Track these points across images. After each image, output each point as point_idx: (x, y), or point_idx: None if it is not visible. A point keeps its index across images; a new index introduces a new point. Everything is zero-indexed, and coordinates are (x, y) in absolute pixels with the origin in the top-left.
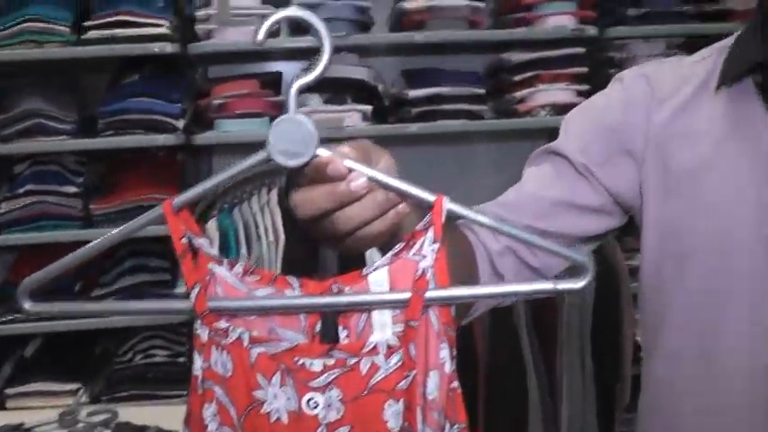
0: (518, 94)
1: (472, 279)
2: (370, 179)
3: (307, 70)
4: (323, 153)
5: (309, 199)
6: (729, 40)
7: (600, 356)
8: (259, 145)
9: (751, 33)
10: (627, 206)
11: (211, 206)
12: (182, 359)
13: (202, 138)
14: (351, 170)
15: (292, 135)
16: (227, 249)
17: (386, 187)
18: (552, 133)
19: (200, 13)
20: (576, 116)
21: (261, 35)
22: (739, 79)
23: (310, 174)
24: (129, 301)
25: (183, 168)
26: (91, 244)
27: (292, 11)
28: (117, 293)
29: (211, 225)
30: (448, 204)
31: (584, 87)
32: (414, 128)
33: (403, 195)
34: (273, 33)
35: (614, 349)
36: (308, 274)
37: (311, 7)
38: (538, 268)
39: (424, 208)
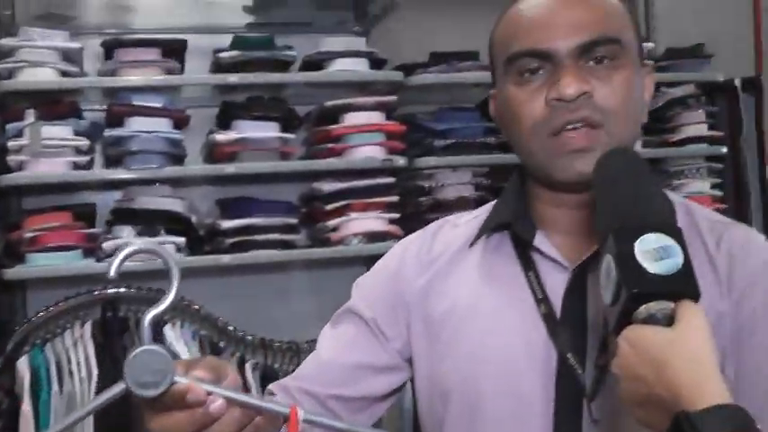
0: (331, 222)
1: None
2: (228, 400)
3: (158, 303)
4: (180, 380)
5: (170, 426)
6: (490, 206)
7: None
8: (73, 279)
9: (508, 196)
10: (407, 359)
11: (24, 342)
12: None
13: (12, 272)
14: (209, 393)
15: (149, 365)
16: (39, 386)
17: (243, 405)
18: (367, 261)
19: (12, 144)
20: (366, 277)
21: (113, 271)
22: (494, 233)
23: (168, 401)
24: None
25: None
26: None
27: (139, 244)
28: None
29: (23, 362)
30: (302, 415)
31: (396, 215)
32: (227, 258)
33: (259, 410)
34: (87, 165)
35: None
36: (120, 410)
37: (124, 139)
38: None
39: (280, 419)
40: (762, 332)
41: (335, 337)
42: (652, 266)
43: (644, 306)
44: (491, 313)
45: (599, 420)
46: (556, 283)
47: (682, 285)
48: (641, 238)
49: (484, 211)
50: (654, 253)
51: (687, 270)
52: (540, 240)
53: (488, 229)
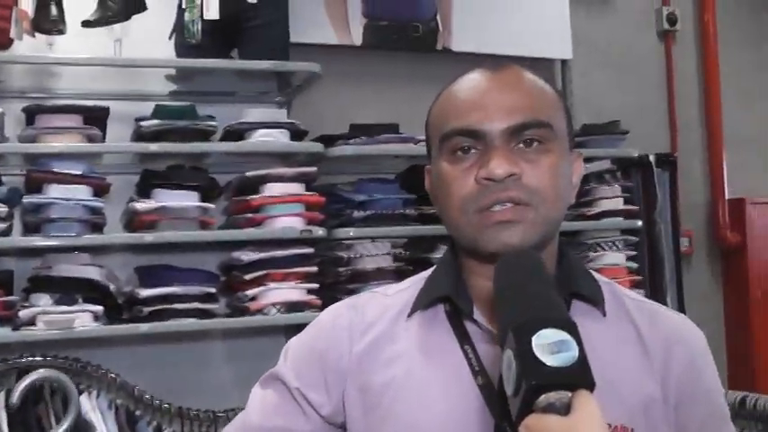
0: (249, 292)
1: None
2: None
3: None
4: None
5: None
6: (426, 273)
7: None
8: None
9: (442, 270)
10: (338, 424)
11: None
12: None
13: None
14: None
15: None
16: None
17: None
18: (286, 330)
19: None
20: (294, 342)
21: (15, 398)
22: (430, 306)
23: None
24: None
25: None
26: None
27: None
28: None
29: None
30: None
31: (315, 286)
32: (144, 327)
33: None
34: (5, 231)
35: None
36: None
37: (43, 206)
38: None
39: None
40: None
41: (261, 399)
42: (549, 360)
43: (543, 396)
44: (429, 385)
45: None
46: (492, 355)
47: (577, 376)
48: (538, 333)
49: (413, 283)
50: (550, 347)
51: (582, 362)
52: (477, 313)
53: (426, 302)
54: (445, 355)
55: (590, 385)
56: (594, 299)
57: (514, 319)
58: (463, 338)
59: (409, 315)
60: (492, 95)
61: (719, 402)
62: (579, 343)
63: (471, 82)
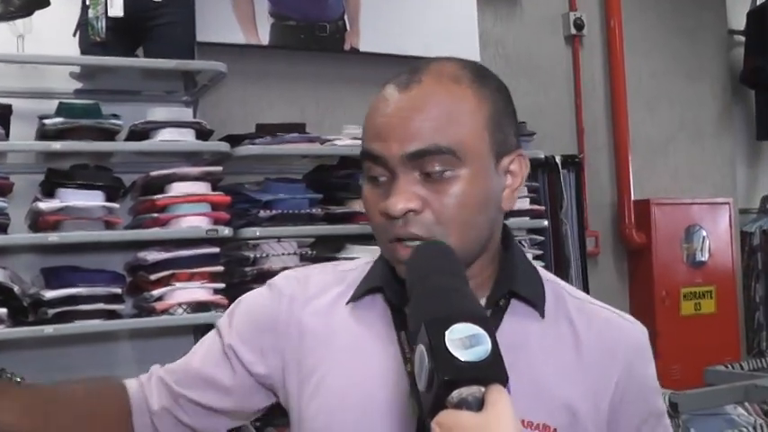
0: (155, 292)
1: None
2: None
3: None
4: None
5: None
6: (374, 258)
7: None
8: None
9: (382, 259)
10: (271, 386)
11: None
12: None
13: None
14: None
15: None
16: None
17: None
18: (196, 329)
19: None
20: (245, 298)
21: None
22: (366, 296)
23: None
24: None
25: None
26: None
27: None
28: None
29: None
30: None
31: (221, 285)
32: (50, 329)
33: None
34: None
35: None
36: None
37: None
38: (191, 425)
39: None
40: None
41: (202, 343)
42: (462, 354)
43: (456, 391)
44: (360, 366)
45: None
46: None
47: (490, 371)
48: (451, 328)
49: (359, 266)
50: (463, 341)
51: (495, 356)
52: None
53: (362, 291)
54: (380, 340)
55: (503, 380)
56: (533, 300)
57: (426, 314)
58: (399, 325)
59: (347, 303)
60: (393, 119)
61: (656, 402)
62: (492, 337)
63: (381, 98)
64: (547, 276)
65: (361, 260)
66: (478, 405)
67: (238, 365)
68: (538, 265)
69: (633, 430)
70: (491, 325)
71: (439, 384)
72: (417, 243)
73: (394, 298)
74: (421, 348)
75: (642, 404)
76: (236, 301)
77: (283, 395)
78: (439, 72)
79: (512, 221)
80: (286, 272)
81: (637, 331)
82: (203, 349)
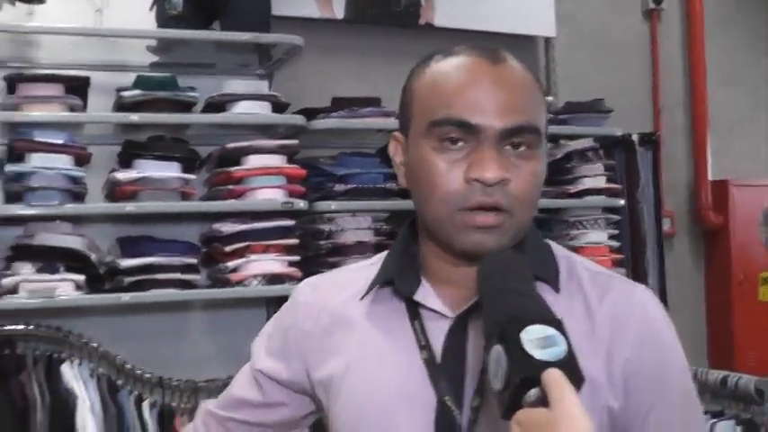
0: (230, 263)
1: None
2: None
3: None
4: None
5: None
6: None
7: None
8: None
9: (394, 251)
10: (303, 391)
11: None
12: None
13: None
14: None
15: None
16: None
17: None
18: (266, 302)
19: None
20: (267, 326)
21: None
22: (380, 289)
23: None
24: None
25: None
26: None
27: None
28: None
29: None
30: None
31: (295, 258)
32: (126, 297)
33: None
34: None
35: None
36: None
37: (25, 175)
38: None
39: None
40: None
41: (242, 371)
42: (538, 354)
43: (532, 390)
44: (376, 361)
45: None
46: (438, 332)
47: (566, 371)
48: (526, 329)
49: (379, 259)
50: (539, 342)
51: (571, 357)
52: (422, 293)
53: (374, 285)
54: (394, 333)
55: (579, 381)
56: (545, 277)
57: (501, 316)
58: (413, 316)
59: (361, 298)
60: (490, 90)
61: (678, 379)
62: (567, 339)
63: (465, 68)
64: (560, 251)
65: (376, 256)
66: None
67: (265, 380)
68: (608, 243)
69: (650, 402)
70: (564, 327)
71: (516, 384)
72: (494, 213)
73: (405, 289)
74: (497, 349)
75: (660, 382)
76: (260, 333)
77: (315, 397)
78: (510, 55)
79: (588, 200)
80: (304, 281)
81: (651, 305)
82: (238, 378)
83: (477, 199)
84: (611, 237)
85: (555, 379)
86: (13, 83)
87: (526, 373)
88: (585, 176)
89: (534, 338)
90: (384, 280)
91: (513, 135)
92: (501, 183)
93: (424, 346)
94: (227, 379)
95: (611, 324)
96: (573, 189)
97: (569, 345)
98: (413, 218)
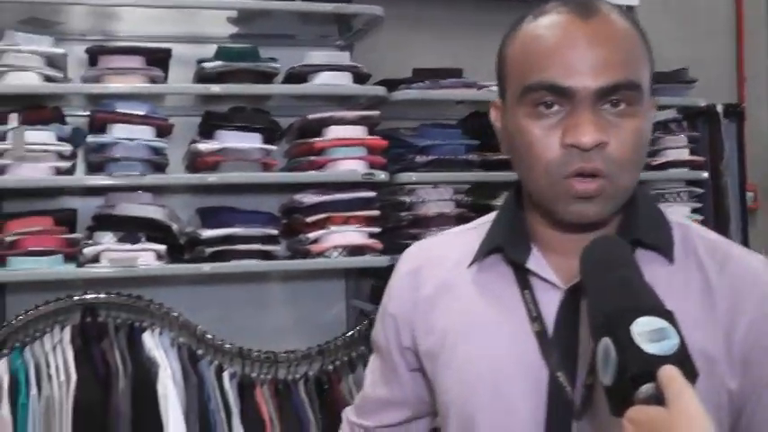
0: (311, 234)
1: None
2: None
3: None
4: None
5: None
6: (491, 216)
7: None
8: (53, 283)
9: (502, 218)
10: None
11: (3, 345)
12: None
13: None
14: None
15: None
16: (17, 390)
17: None
18: (348, 273)
19: None
20: (383, 301)
21: None
22: (488, 256)
23: None
24: None
25: None
26: None
27: None
28: None
29: (1, 365)
30: None
31: (376, 230)
32: (207, 268)
33: None
34: (69, 171)
35: None
36: (98, 415)
37: (107, 146)
38: None
39: None
40: None
41: (369, 369)
42: (650, 348)
43: (645, 386)
44: (485, 330)
45: None
46: (550, 303)
47: (680, 365)
48: (636, 321)
49: (479, 224)
50: (650, 334)
51: (684, 351)
52: (534, 261)
53: (485, 252)
54: (503, 302)
55: (693, 375)
56: (659, 247)
57: (609, 306)
58: (523, 285)
59: (469, 265)
60: (583, 49)
61: None
62: (678, 331)
63: (558, 27)
64: (675, 219)
65: (483, 218)
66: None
67: (402, 367)
68: (691, 217)
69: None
70: (676, 319)
71: (628, 379)
72: (594, 179)
73: (516, 256)
74: (606, 341)
75: None
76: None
77: (422, 368)
78: (607, 5)
79: (671, 172)
80: (407, 250)
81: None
82: (369, 376)
83: (575, 165)
84: (694, 210)
85: (671, 375)
86: (94, 55)
87: (639, 369)
88: (668, 148)
89: (645, 331)
90: (493, 246)
91: (610, 94)
92: (599, 146)
93: (536, 317)
94: (306, 350)
95: (731, 298)
96: (656, 161)
97: (681, 337)
98: (518, 184)
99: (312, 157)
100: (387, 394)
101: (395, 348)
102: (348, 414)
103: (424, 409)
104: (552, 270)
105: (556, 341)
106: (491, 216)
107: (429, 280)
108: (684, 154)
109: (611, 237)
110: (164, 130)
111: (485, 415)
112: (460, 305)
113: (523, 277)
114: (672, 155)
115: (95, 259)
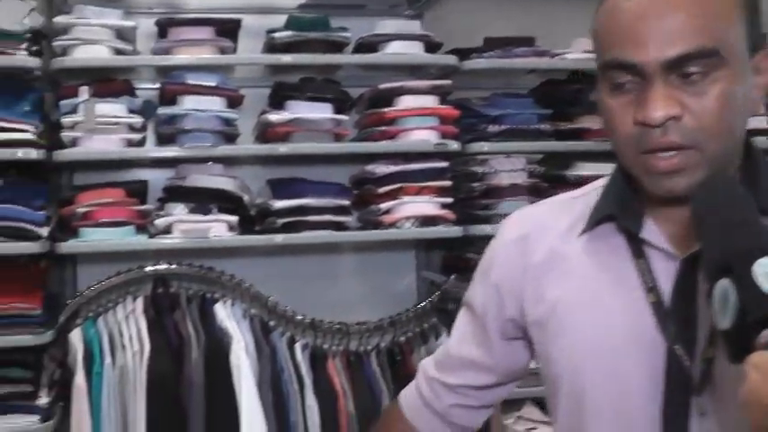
0: (383, 205)
1: None
2: None
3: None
4: None
5: None
6: (596, 185)
7: None
8: (124, 254)
9: (612, 185)
10: (516, 336)
11: (75, 315)
12: None
13: (66, 246)
14: None
15: None
16: (92, 359)
17: None
18: (419, 244)
19: (67, 120)
20: (479, 267)
21: None
22: (600, 224)
23: None
24: None
25: (46, 276)
26: None
27: None
28: None
29: (75, 335)
30: None
31: (448, 200)
32: (279, 239)
33: None
34: (139, 143)
35: None
36: (172, 385)
37: (178, 118)
38: (480, 406)
39: None
40: None
41: (457, 326)
42: None
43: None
44: (598, 301)
45: (706, 414)
46: (665, 273)
47: None
48: (759, 261)
49: (593, 189)
50: None
51: None
52: (648, 231)
53: (595, 220)
54: (617, 271)
55: None
56: None
57: (729, 247)
58: (637, 254)
59: (580, 234)
60: (650, 19)
61: None
62: None
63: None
64: None
65: (587, 187)
66: None
67: (493, 331)
68: None
69: None
70: None
71: (751, 322)
72: (674, 153)
73: (630, 224)
74: (724, 283)
75: None
76: (476, 271)
77: (529, 338)
78: None
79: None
80: (512, 215)
81: None
82: (455, 333)
83: (650, 141)
84: None
85: None
86: (164, 27)
87: (762, 311)
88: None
89: (767, 272)
90: (605, 215)
91: (681, 65)
92: (674, 119)
93: (652, 287)
94: (377, 322)
95: None
96: None
97: None
98: None
99: (383, 128)
100: (475, 356)
101: (493, 319)
102: (426, 368)
103: (511, 376)
104: (666, 239)
105: (673, 313)
106: (596, 184)
107: (539, 248)
108: (763, 122)
109: (724, 176)
110: (234, 101)
111: (597, 388)
112: (571, 275)
113: (638, 247)
114: (751, 122)
115: (167, 230)
